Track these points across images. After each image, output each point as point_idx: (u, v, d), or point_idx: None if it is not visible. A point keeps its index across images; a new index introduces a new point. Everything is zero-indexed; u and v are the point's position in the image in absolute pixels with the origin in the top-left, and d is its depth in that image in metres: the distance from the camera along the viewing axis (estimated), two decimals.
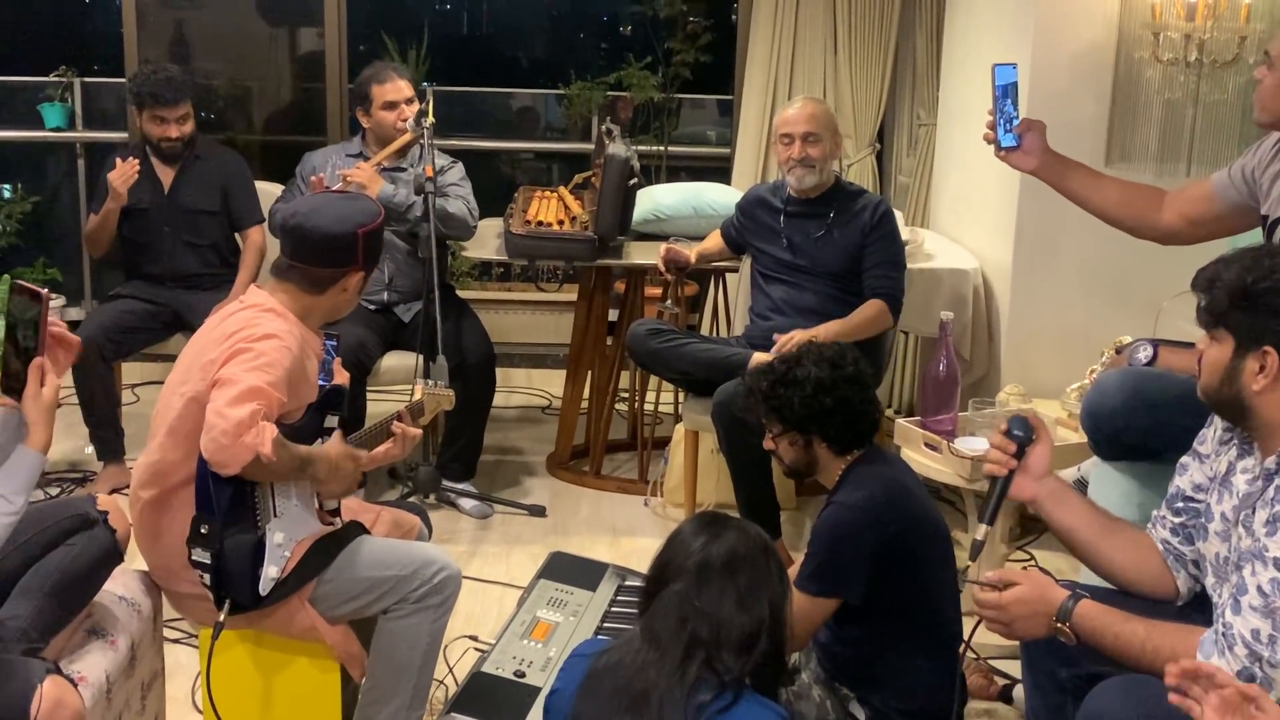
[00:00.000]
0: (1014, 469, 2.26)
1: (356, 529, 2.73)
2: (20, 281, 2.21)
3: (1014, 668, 3.23)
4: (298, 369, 2.54)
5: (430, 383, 3.11)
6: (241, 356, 2.45)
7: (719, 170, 5.59)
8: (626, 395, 4.92)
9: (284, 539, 2.56)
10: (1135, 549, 2.26)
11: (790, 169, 3.88)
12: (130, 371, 4.90)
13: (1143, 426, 2.60)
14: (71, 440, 4.72)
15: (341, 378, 2.83)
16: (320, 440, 2.67)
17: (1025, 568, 3.12)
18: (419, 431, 2.87)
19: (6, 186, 5.97)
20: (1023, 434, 2.25)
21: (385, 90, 4.20)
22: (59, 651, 2.38)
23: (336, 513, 2.75)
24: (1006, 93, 2.83)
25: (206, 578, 2.49)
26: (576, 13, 7.64)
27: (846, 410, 2.68)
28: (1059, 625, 2.10)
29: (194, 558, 2.48)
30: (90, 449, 4.40)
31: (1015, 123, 2.84)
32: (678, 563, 2.08)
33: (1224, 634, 1.96)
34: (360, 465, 2.70)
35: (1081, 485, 2.91)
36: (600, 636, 2.63)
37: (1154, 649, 2.01)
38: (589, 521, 4.28)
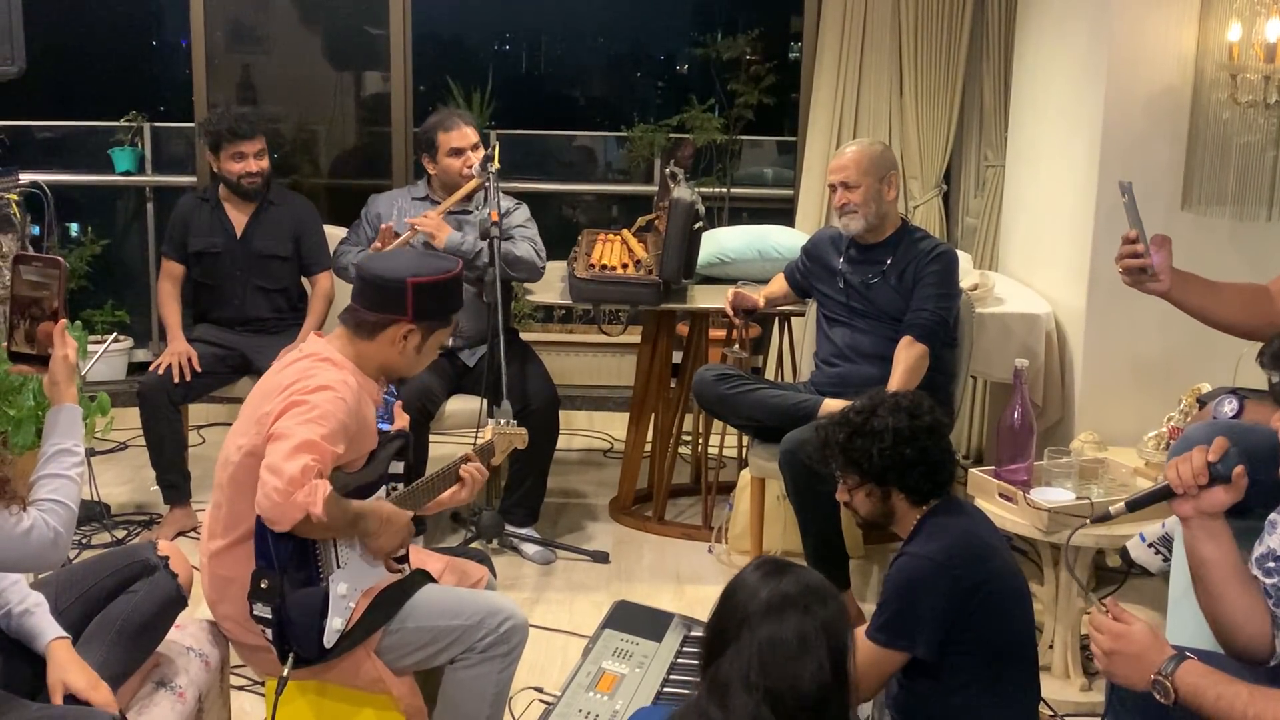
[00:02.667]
0: (1188, 492, 2.18)
1: (422, 578, 2.71)
2: (33, 253, 2.32)
3: None
4: (354, 418, 2.53)
5: (501, 421, 3.09)
6: (296, 409, 2.44)
7: (781, 212, 5.56)
8: (690, 439, 4.88)
9: (348, 589, 2.54)
10: (1254, 601, 2.19)
11: (840, 216, 3.87)
12: (196, 413, 4.94)
13: None
14: (138, 483, 4.76)
15: (402, 420, 2.82)
16: (386, 486, 2.65)
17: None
18: (487, 474, 2.85)
19: (75, 226, 6.07)
20: (1225, 472, 2.16)
21: (451, 137, 4.22)
22: (126, 702, 2.37)
23: (405, 559, 2.72)
24: (1137, 207, 2.75)
25: (269, 632, 2.47)
26: (634, 54, 7.68)
27: (925, 460, 2.62)
28: (1160, 679, 2.03)
29: (256, 612, 2.46)
30: (156, 488, 4.41)
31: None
32: (741, 615, 1.99)
33: None
34: (429, 506, 2.68)
35: (1167, 542, 2.82)
36: (660, 704, 2.56)
37: (1256, 714, 1.94)
38: (653, 568, 4.23)
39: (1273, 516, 2.20)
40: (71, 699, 2.17)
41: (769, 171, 6.47)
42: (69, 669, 2.21)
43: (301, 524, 2.36)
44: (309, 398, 2.46)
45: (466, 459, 2.81)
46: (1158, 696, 2.04)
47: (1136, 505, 2.23)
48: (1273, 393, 2.03)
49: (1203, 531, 2.20)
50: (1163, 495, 2.22)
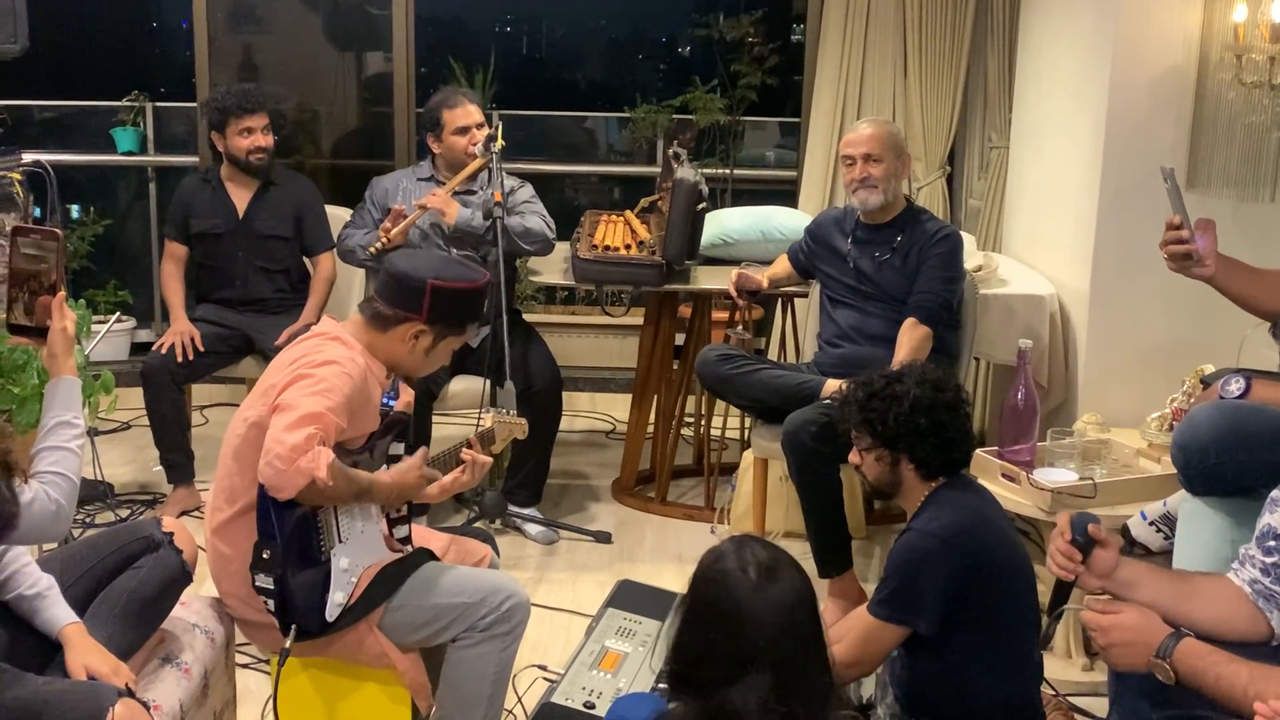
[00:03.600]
0: (1079, 573, 2.21)
1: (425, 555, 2.72)
2: (30, 226, 2.31)
3: (1095, 705, 3.16)
4: (359, 395, 2.53)
5: (503, 410, 3.09)
6: (302, 382, 2.45)
7: (784, 194, 5.55)
8: (692, 420, 4.88)
9: (350, 564, 2.55)
10: (1218, 602, 2.20)
11: (854, 190, 3.84)
12: (199, 393, 4.94)
13: (1238, 462, 2.52)
14: (142, 463, 4.77)
15: (407, 396, 2.82)
16: (385, 467, 2.66)
17: None
18: (489, 460, 2.85)
19: (75, 206, 6.06)
20: (1085, 540, 2.20)
21: (456, 115, 4.21)
22: (124, 682, 2.37)
23: (407, 540, 2.73)
24: (1180, 192, 2.73)
25: (270, 604, 2.48)
26: (636, 35, 7.66)
27: (939, 434, 2.62)
28: (1159, 661, 2.04)
29: (258, 583, 2.47)
30: (159, 468, 4.42)
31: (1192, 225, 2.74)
32: (751, 648, 1.88)
33: None
34: (432, 491, 2.68)
35: (1169, 521, 2.83)
36: (655, 691, 2.55)
37: (1258, 693, 1.95)
38: (655, 549, 4.24)
39: (1275, 494, 2.20)
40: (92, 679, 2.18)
41: (771, 153, 6.46)
42: (89, 654, 2.22)
43: (305, 491, 2.36)
44: (315, 371, 2.47)
45: (469, 444, 2.82)
46: (1159, 677, 2.05)
47: (1055, 606, 2.28)
48: None
49: (1122, 591, 2.21)
50: (1065, 588, 2.25)
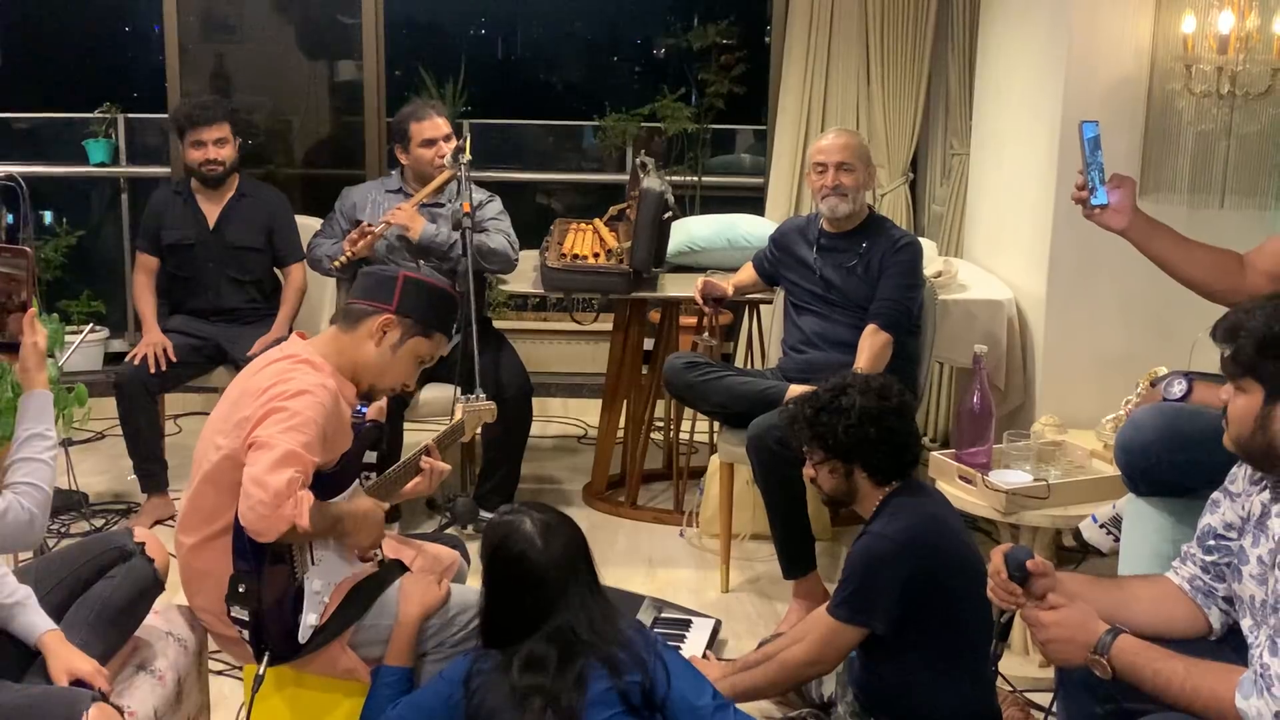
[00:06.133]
0: (1022, 604, 2.25)
1: (397, 569, 2.75)
2: (1, 245, 2.37)
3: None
4: (332, 421, 2.54)
5: (468, 398, 3.14)
6: (276, 417, 2.44)
7: (753, 200, 5.62)
8: (662, 425, 4.95)
9: (322, 585, 2.58)
10: (1156, 603, 2.28)
11: (824, 198, 3.90)
12: (173, 402, 4.97)
13: (1177, 463, 2.60)
14: (116, 472, 4.80)
15: (380, 402, 2.86)
16: (361, 476, 2.71)
17: None
18: (447, 467, 2.89)
19: (49, 213, 6.08)
20: (1021, 574, 2.23)
21: (424, 128, 4.26)
22: (107, 685, 2.42)
23: (377, 549, 2.77)
24: (1096, 146, 2.81)
25: (245, 633, 2.50)
26: (611, 39, 7.68)
27: (890, 441, 2.70)
28: (1095, 656, 2.11)
29: (233, 614, 2.48)
30: (133, 477, 4.44)
31: (1104, 179, 2.82)
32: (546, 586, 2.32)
33: (1262, 675, 1.97)
34: (383, 510, 2.71)
35: (1119, 523, 2.91)
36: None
37: (1193, 688, 2.02)
38: (625, 552, 4.30)
39: (1215, 495, 2.28)
40: (78, 683, 2.23)
41: (746, 157, 6.52)
42: (71, 658, 2.27)
43: (286, 534, 2.39)
44: (288, 404, 2.46)
45: (427, 450, 2.86)
46: (1096, 673, 2.11)
47: (1002, 631, 2.33)
48: (1222, 367, 2.11)
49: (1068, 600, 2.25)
50: (1009, 618, 2.30)
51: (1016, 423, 4.05)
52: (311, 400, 2.49)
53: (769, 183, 5.44)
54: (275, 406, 2.46)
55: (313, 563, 2.57)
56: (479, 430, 3.26)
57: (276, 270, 4.64)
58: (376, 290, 2.68)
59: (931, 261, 4.30)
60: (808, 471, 2.80)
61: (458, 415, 3.04)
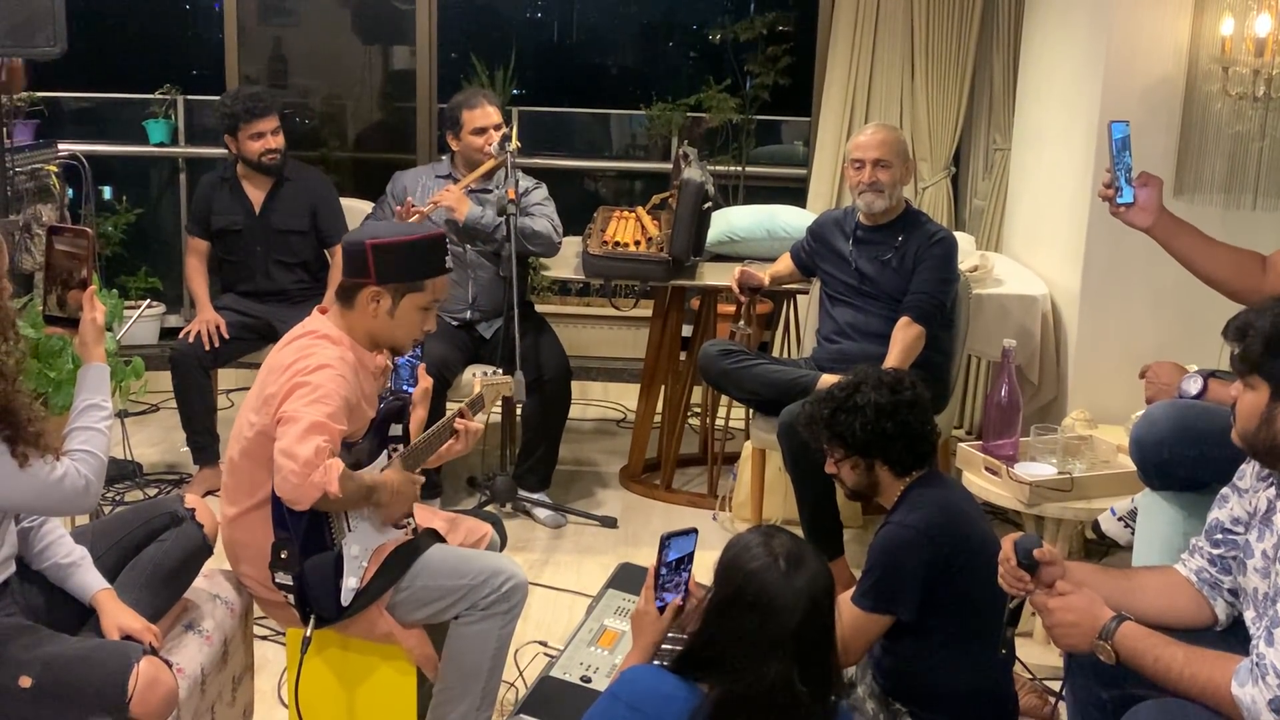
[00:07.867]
0: (1031, 590, 2.29)
1: (432, 537, 2.86)
2: (64, 225, 2.45)
3: None
4: (355, 392, 2.65)
5: (486, 373, 3.22)
6: (300, 391, 2.56)
7: (796, 191, 5.68)
8: (699, 410, 5.03)
9: (360, 550, 2.69)
10: (1163, 593, 2.33)
11: (860, 193, 3.96)
12: (225, 378, 5.10)
13: (1189, 458, 2.65)
14: (169, 444, 4.95)
15: (425, 383, 2.98)
16: (387, 449, 2.81)
17: None
18: (480, 426, 2.97)
19: (108, 188, 6.23)
20: (1030, 562, 2.28)
21: (475, 116, 4.36)
22: (158, 640, 2.55)
23: (410, 517, 2.88)
24: (1125, 146, 2.85)
25: (291, 597, 2.64)
26: (666, 22, 7.68)
27: (906, 434, 2.76)
28: (1100, 643, 2.16)
29: (277, 580, 2.62)
30: (186, 449, 4.59)
31: (1133, 177, 2.87)
32: (780, 619, 2.01)
33: (1258, 664, 2.02)
34: (419, 483, 2.82)
35: (1135, 515, 2.97)
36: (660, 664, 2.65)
37: (1192, 674, 2.07)
38: (658, 534, 4.35)
39: (1224, 490, 2.33)
40: (128, 639, 2.36)
41: (800, 145, 6.55)
42: (122, 615, 2.40)
43: (319, 501, 2.51)
44: (310, 378, 2.57)
45: (460, 414, 2.95)
46: (1100, 658, 2.18)
47: (1012, 618, 2.37)
48: (1232, 364, 2.17)
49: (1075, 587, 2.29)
50: (1019, 604, 2.34)
51: (1049, 417, 4.10)
52: (332, 373, 2.60)
53: (811, 174, 5.49)
54: (299, 381, 2.58)
55: (349, 529, 2.69)
56: (498, 403, 3.28)
57: (325, 251, 4.76)
58: (353, 265, 2.73)
59: (968, 256, 4.35)
60: (830, 468, 2.87)
61: (476, 388, 3.14)
